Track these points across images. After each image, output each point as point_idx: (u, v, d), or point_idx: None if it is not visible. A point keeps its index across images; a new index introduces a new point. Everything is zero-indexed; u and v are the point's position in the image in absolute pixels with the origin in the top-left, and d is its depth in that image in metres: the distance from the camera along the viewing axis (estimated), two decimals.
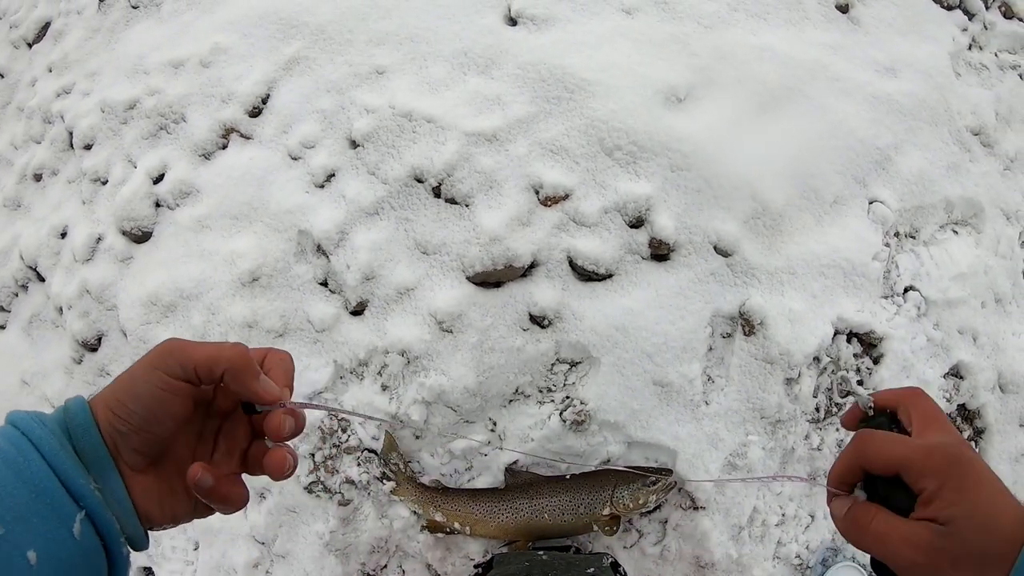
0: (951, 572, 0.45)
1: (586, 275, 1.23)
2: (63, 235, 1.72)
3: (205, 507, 0.51)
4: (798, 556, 1.33)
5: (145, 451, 0.47)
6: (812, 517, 1.34)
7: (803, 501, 1.34)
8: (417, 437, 1.22)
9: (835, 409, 1.39)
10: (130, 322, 1.49)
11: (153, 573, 1.45)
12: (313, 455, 1.25)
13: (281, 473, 0.50)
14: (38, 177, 1.89)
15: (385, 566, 1.24)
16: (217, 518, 1.35)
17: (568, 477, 1.18)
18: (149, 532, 0.49)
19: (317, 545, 1.24)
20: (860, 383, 1.42)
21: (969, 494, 0.45)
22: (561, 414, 1.20)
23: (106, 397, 0.46)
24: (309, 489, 1.25)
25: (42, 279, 1.75)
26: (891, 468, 0.48)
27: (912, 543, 0.45)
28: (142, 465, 0.47)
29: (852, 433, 0.56)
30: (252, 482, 1.31)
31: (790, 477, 1.08)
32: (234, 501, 0.51)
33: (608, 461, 1.21)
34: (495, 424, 1.21)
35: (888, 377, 1.44)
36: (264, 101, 1.46)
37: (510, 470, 1.19)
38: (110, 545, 0.43)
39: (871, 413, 0.55)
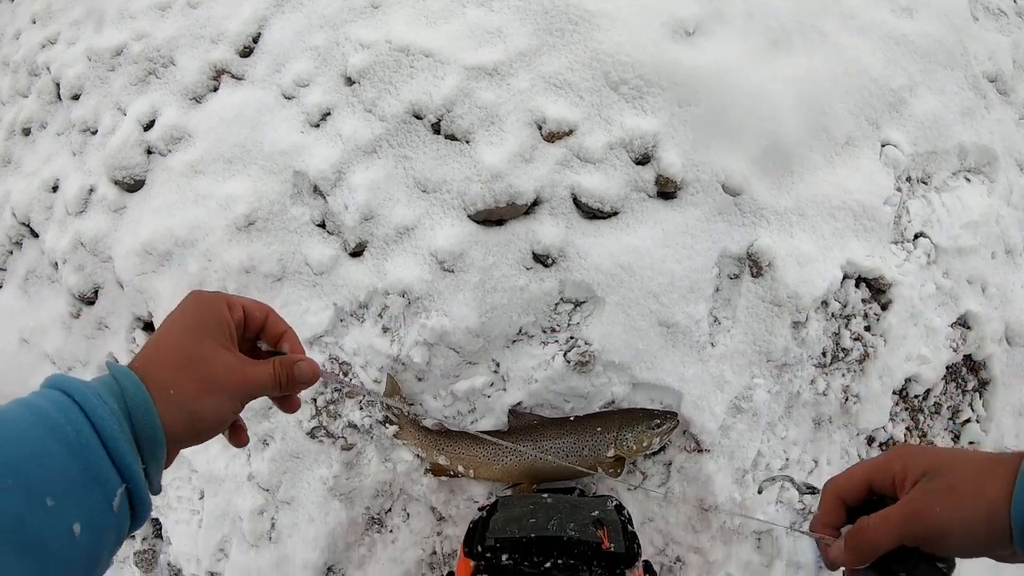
0: (955, 501, 0.47)
1: (591, 213, 1.19)
2: (55, 189, 1.68)
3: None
4: (801, 501, 1.32)
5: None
6: (816, 462, 1.33)
7: (807, 446, 1.33)
8: (419, 380, 1.20)
9: (842, 355, 1.37)
10: (126, 272, 1.46)
11: (160, 524, 1.45)
12: (315, 400, 1.24)
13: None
14: (27, 131, 1.84)
15: (389, 510, 1.24)
16: (221, 466, 1.34)
17: (572, 419, 1.17)
18: None
19: (321, 490, 1.23)
20: (868, 328, 1.40)
21: (931, 451, 0.51)
22: (565, 355, 1.18)
23: (175, 412, 0.49)
24: (312, 434, 1.23)
25: (36, 235, 1.72)
26: (862, 487, 0.53)
27: (916, 509, 0.48)
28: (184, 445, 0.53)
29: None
30: (254, 428, 1.30)
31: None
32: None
33: (612, 403, 1.20)
34: (498, 365, 1.19)
35: (896, 324, 1.41)
36: (255, 40, 1.40)
37: (514, 412, 1.17)
38: (139, 512, 0.45)
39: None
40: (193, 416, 0.49)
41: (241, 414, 0.58)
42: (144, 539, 1.46)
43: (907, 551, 0.51)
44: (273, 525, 1.28)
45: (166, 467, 0.52)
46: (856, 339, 1.38)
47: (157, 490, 0.48)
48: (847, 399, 1.35)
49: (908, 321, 1.44)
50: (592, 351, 1.17)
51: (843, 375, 1.36)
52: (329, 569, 1.26)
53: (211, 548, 1.35)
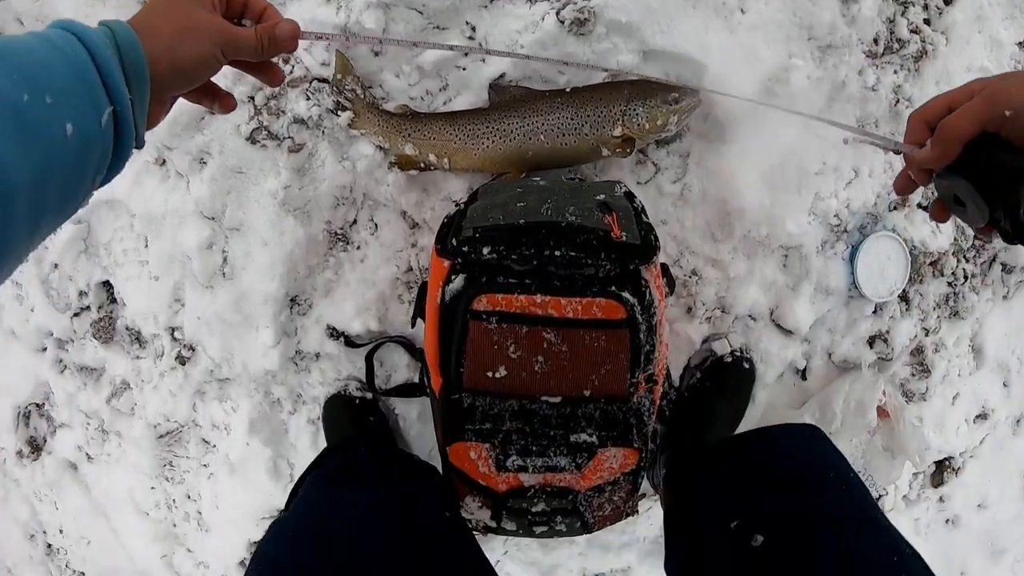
0: None
1: None
2: None
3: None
4: (836, 216, 1.14)
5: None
6: (856, 173, 1.14)
7: (846, 152, 1.13)
8: (376, 54, 0.97)
9: (896, 46, 1.13)
10: (21, 2, 1.20)
11: (112, 286, 1.29)
12: (252, 97, 1.02)
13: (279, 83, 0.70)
14: None
15: (354, 222, 1.06)
16: (160, 202, 1.15)
17: (568, 91, 0.95)
18: None
19: (272, 206, 1.05)
20: (927, 21, 1.15)
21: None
22: (558, 13, 0.93)
23: (158, 49, 0.51)
24: (252, 139, 1.02)
25: None
26: (944, 109, 0.56)
27: (995, 91, 0.53)
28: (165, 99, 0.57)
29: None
30: (185, 145, 1.09)
31: (874, 138, 0.74)
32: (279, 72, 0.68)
33: (618, 75, 0.97)
34: (474, 30, 0.95)
35: (960, 22, 1.16)
36: None
37: (495, 86, 0.95)
38: (123, 140, 0.48)
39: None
40: (173, 54, 0.52)
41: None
42: (100, 307, 1.31)
43: (987, 141, 0.53)
44: (225, 259, 1.11)
45: (152, 126, 0.55)
46: (914, 31, 1.14)
47: (141, 142, 0.52)
48: (898, 100, 1.13)
49: (973, 24, 1.19)
50: (592, 7, 0.93)
51: (895, 71, 1.13)
52: (292, 300, 1.10)
53: (166, 299, 1.20)
